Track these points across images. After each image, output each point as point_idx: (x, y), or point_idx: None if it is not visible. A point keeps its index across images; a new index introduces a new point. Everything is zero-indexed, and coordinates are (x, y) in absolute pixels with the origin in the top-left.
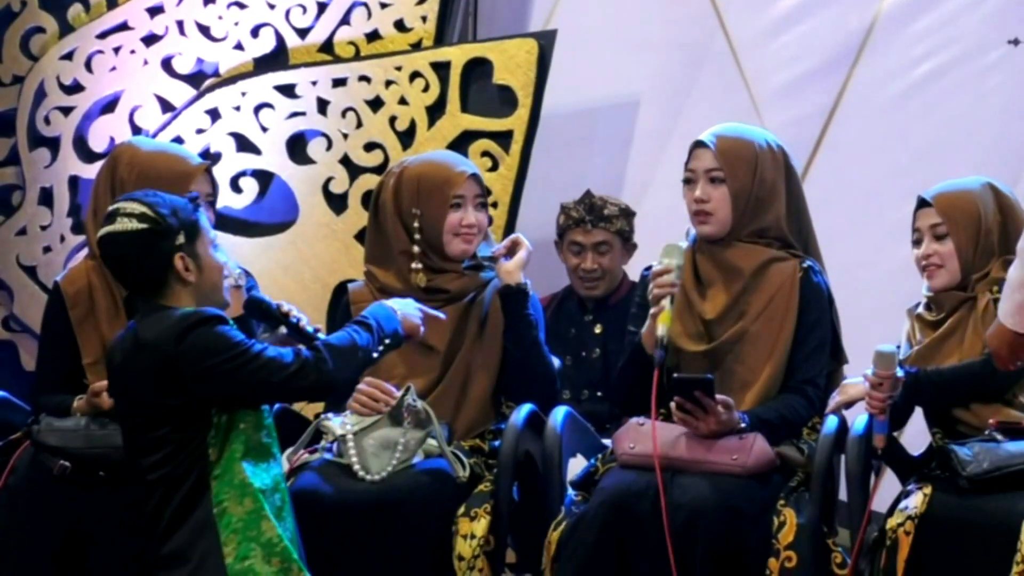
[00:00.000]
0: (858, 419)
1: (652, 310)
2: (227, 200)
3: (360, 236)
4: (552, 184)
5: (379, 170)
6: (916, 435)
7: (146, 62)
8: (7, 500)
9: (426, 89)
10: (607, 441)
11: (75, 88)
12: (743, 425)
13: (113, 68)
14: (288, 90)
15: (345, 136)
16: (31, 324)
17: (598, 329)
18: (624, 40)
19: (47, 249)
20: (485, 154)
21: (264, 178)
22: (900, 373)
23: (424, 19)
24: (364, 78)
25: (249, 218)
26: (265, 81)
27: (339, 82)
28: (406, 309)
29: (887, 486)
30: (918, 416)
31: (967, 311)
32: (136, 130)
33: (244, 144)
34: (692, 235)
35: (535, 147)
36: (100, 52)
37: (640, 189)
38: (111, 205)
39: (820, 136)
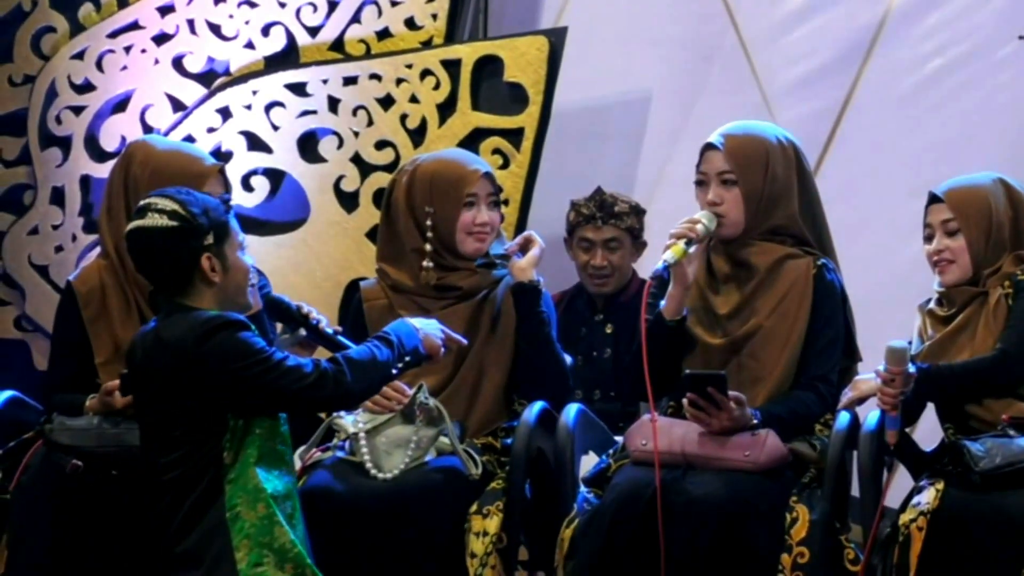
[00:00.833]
0: (870, 415)
1: (668, 242)
2: (238, 199)
3: (371, 234)
4: (563, 181)
5: (390, 168)
6: (928, 431)
7: (157, 61)
8: (20, 498)
9: (437, 87)
10: (620, 439)
11: (86, 87)
12: (755, 421)
13: (124, 67)
14: (299, 88)
15: (356, 134)
16: (43, 323)
17: (609, 329)
18: (635, 37)
19: (59, 248)
20: (496, 151)
21: (275, 176)
22: (912, 369)
23: (435, 17)
24: (375, 76)
25: (260, 216)
26: (276, 80)
27: (350, 80)
28: (428, 328)
29: (899, 482)
30: (930, 412)
31: (978, 306)
32: (147, 129)
33: (255, 143)
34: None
35: (546, 144)
36: (111, 51)
37: (651, 186)
38: (143, 199)
39: (832, 132)
